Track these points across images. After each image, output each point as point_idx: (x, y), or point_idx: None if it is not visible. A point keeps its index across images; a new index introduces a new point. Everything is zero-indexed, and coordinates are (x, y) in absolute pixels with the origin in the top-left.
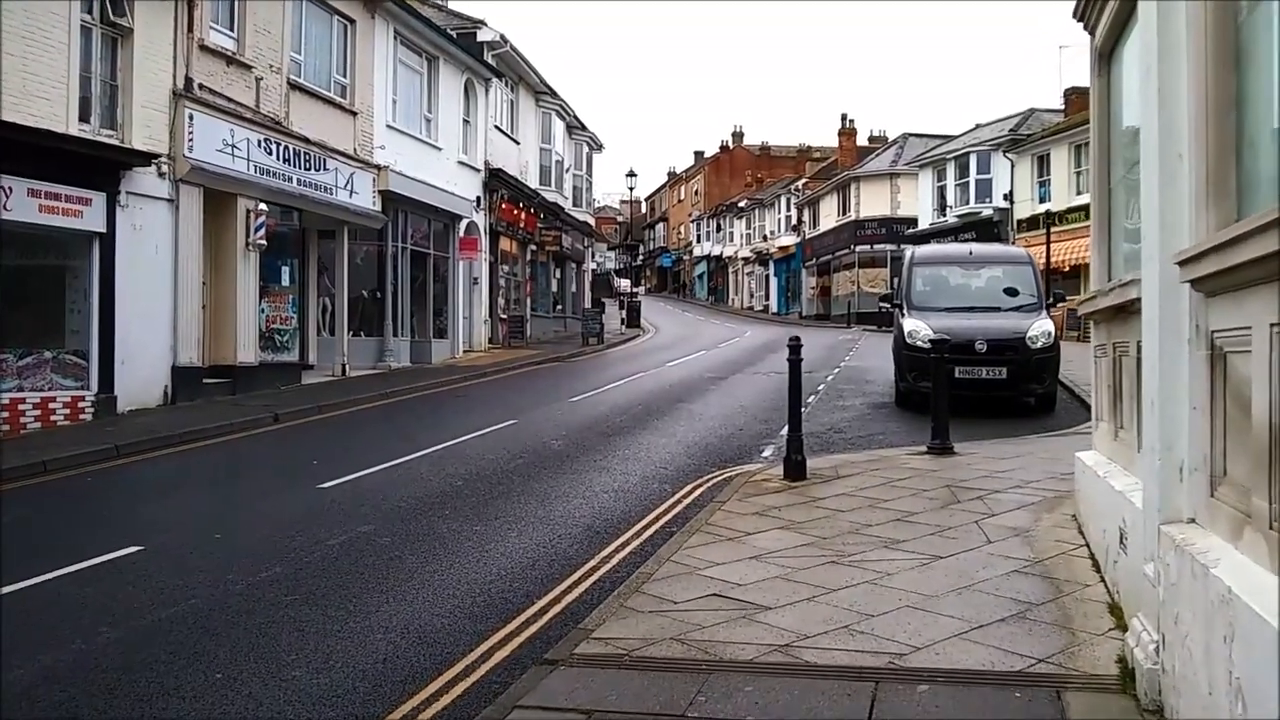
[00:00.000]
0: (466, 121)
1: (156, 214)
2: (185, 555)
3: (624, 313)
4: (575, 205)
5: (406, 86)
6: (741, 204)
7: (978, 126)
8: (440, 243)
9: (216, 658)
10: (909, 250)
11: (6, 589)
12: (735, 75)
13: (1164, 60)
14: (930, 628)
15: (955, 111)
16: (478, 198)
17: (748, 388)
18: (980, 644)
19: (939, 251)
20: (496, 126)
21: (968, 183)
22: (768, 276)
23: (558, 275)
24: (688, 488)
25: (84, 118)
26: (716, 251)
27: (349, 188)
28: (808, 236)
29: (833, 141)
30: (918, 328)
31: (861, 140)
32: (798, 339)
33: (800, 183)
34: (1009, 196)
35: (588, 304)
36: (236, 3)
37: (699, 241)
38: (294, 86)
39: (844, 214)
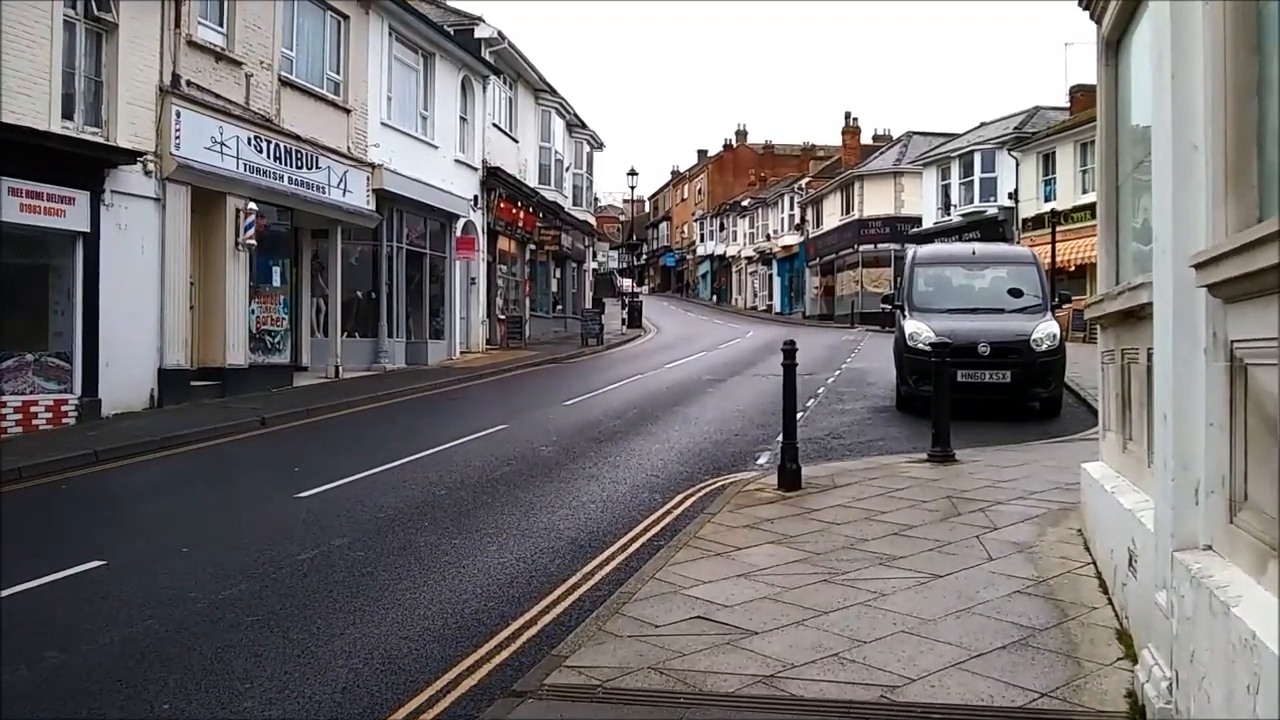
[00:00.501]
0: (463, 119)
1: (142, 213)
2: (148, 570)
3: (625, 313)
4: (575, 204)
5: (402, 84)
6: (745, 203)
7: (982, 125)
8: (437, 242)
9: (165, 686)
10: (911, 250)
11: None
12: (739, 73)
13: (1178, 44)
14: (926, 656)
15: (960, 110)
16: (475, 196)
17: (746, 390)
18: (979, 675)
19: (941, 251)
20: (494, 124)
21: (972, 181)
22: (771, 276)
23: (557, 275)
24: (678, 497)
25: (67, 115)
26: (720, 251)
27: (342, 186)
28: (811, 236)
29: (836, 140)
30: (919, 330)
31: (865, 139)
32: (792, 343)
33: (804, 181)
34: (1014, 195)
35: (589, 304)
36: None
37: (702, 241)
38: (285, 83)
39: (848, 213)
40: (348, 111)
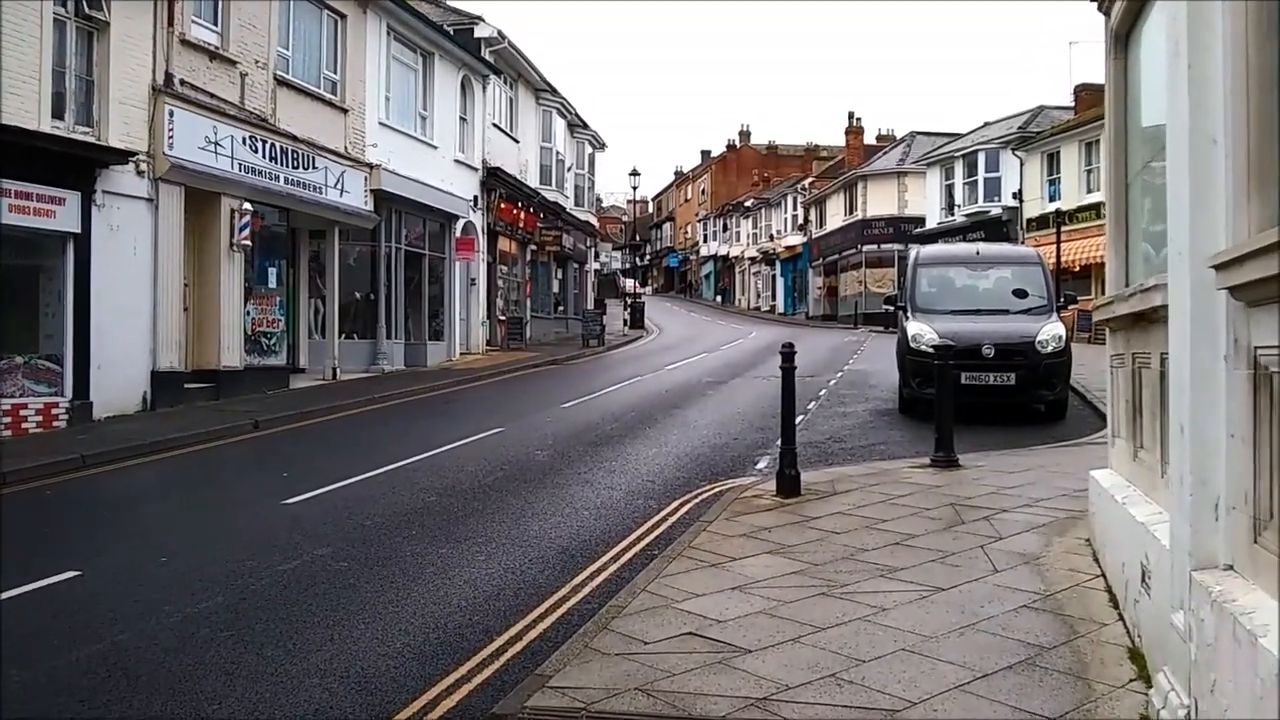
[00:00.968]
0: (463, 119)
1: (135, 214)
2: (124, 581)
3: (627, 313)
4: (577, 205)
5: (400, 83)
6: (748, 203)
7: (986, 124)
8: (436, 243)
9: (130, 707)
10: (913, 250)
11: None
12: (742, 74)
13: (1195, 33)
14: (928, 677)
15: (964, 110)
16: (475, 197)
17: (747, 393)
18: (985, 698)
19: (945, 251)
20: (495, 124)
21: (976, 181)
22: (774, 276)
23: (559, 276)
24: (674, 504)
25: (58, 114)
26: (723, 251)
27: (339, 187)
28: (814, 236)
29: (840, 140)
30: (922, 331)
31: (869, 139)
32: (791, 346)
33: (807, 182)
34: (1018, 195)
35: (590, 305)
36: None
37: (705, 241)
38: (281, 83)
39: (851, 213)
40: (345, 111)
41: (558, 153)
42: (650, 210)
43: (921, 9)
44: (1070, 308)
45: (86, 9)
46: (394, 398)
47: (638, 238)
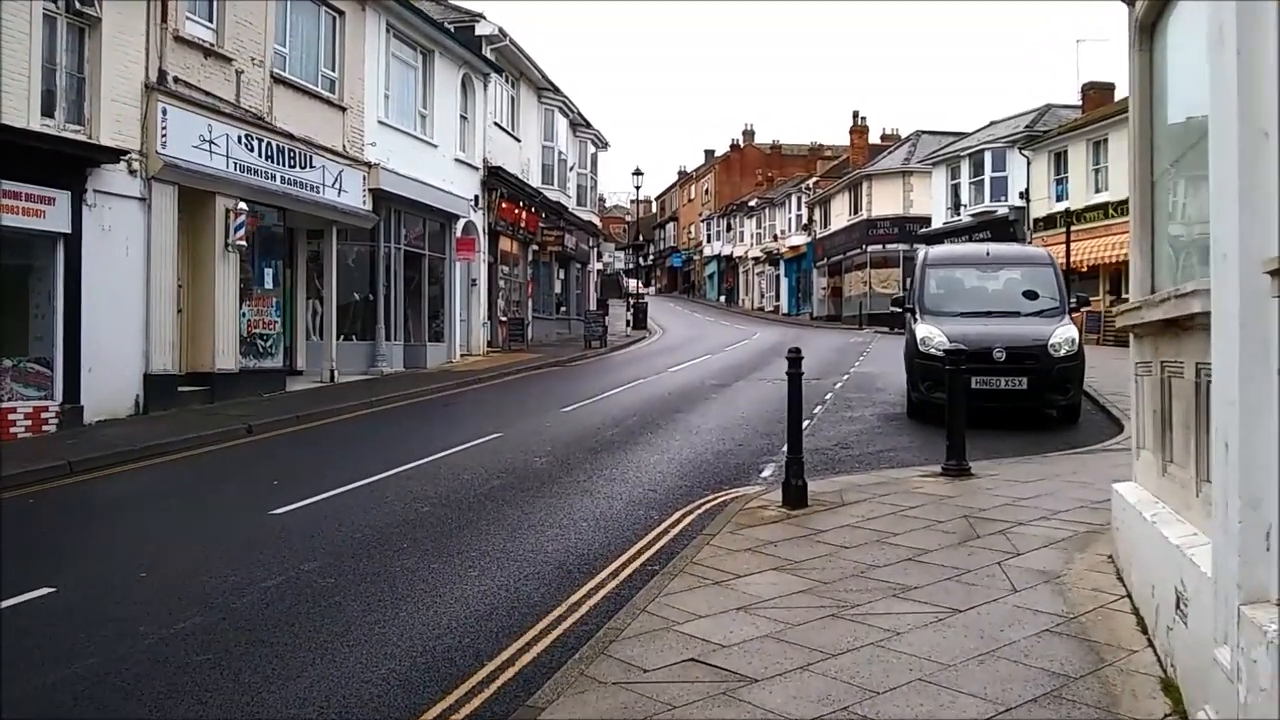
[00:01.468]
0: (464, 118)
1: (127, 213)
2: (99, 599)
3: (630, 314)
4: (579, 204)
5: (400, 81)
6: (752, 203)
7: (992, 123)
8: (436, 243)
9: None
10: (922, 250)
11: None
12: (746, 73)
13: (1245, 14)
14: (947, 711)
15: (970, 109)
16: (476, 196)
17: (751, 396)
18: None
19: (954, 252)
20: (496, 123)
21: (982, 181)
22: (778, 277)
23: (561, 276)
24: (677, 515)
25: (48, 112)
26: (727, 251)
27: (337, 186)
28: (819, 236)
29: (844, 140)
30: (931, 334)
31: (874, 138)
32: (797, 350)
33: (811, 181)
34: (1025, 195)
35: (593, 305)
36: None
37: (709, 241)
38: (278, 80)
39: (855, 213)
40: (343, 109)
41: (560, 152)
42: (654, 210)
43: (927, 8)
44: (1083, 309)
45: (78, 5)
46: (392, 401)
47: (641, 238)
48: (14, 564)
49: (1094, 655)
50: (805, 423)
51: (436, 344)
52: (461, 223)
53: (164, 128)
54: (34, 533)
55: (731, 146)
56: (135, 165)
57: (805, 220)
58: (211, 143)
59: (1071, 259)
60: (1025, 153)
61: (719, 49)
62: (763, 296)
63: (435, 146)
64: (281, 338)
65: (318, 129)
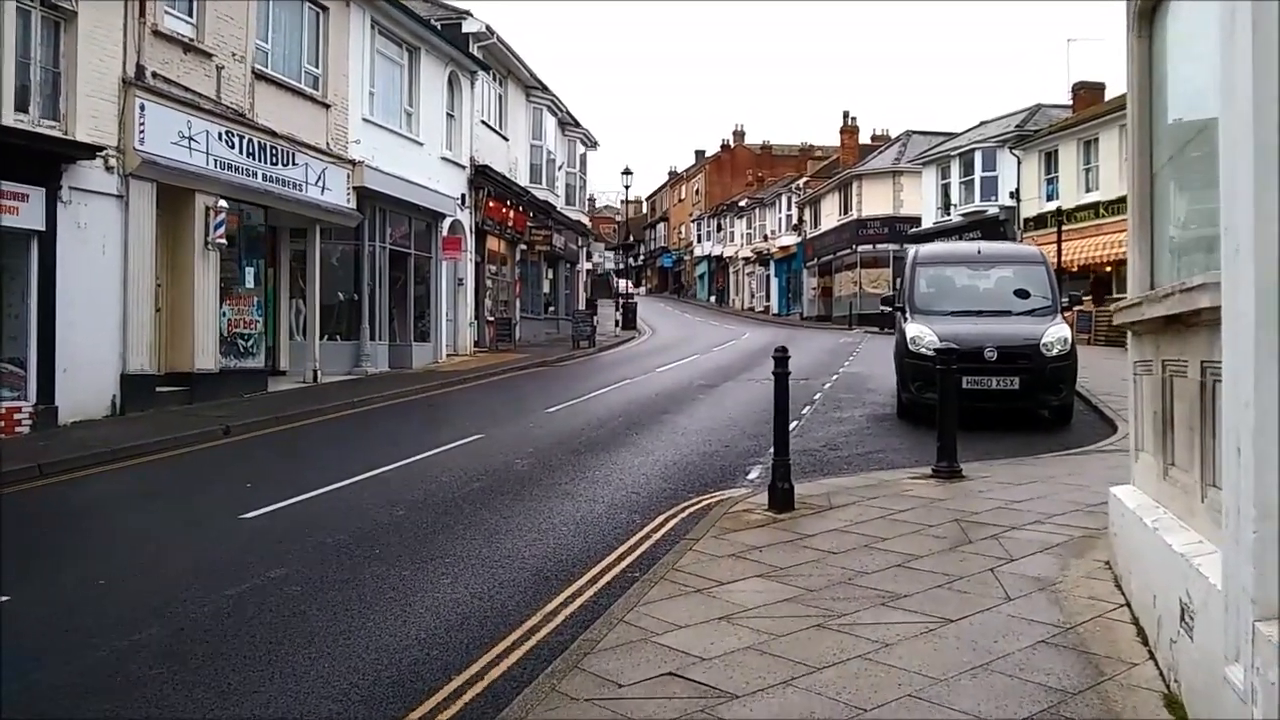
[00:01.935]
0: (450, 116)
1: (104, 211)
2: (54, 610)
3: (619, 314)
4: (568, 204)
5: (385, 78)
6: (742, 203)
7: (983, 123)
8: (422, 242)
9: None
10: (912, 249)
11: None
12: (736, 73)
13: None
14: None
15: (960, 109)
16: (462, 195)
17: (739, 397)
18: None
19: (944, 250)
20: (483, 122)
21: (972, 180)
22: (768, 277)
23: (549, 276)
24: (660, 518)
25: (21, 108)
26: (717, 252)
27: (320, 184)
28: (809, 236)
29: (835, 140)
30: (921, 333)
31: (864, 138)
32: (784, 350)
33: (801, 181)
34: (1015, 194)
35: (582, 305)
36: None
37: (700, 241)
38: (260, 77)
39: (846, 213)
40: (327, 106)
41: (548, 151)
42: (645, 210)
43: (918, 8)
44: (1074, 308)
45: None
46: (375, 401)
47: (631, 238)
48: None
49: (1093, 669)
50: (794, 424)
51: (422, 344)
52: (448, 221)
53: (142, 124)
54: None
55: (722, 146)
56: (112, 162)
57: (795, 220)
58: (191, 139)
59: (1062, 259)
60: (1016, 152)
61: (709, 49)
62: (753, 297)
63: (421, 144)
64: (263, 337)
65: (300, 126)
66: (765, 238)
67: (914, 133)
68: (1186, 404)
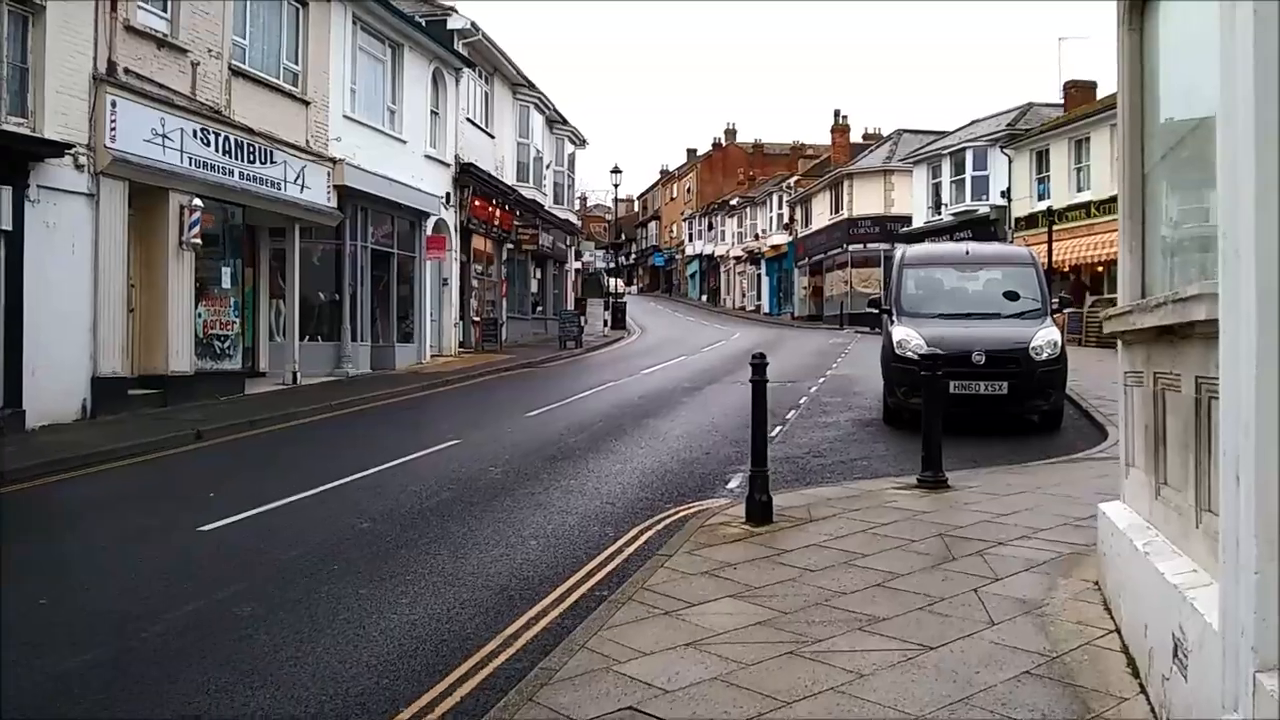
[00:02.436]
0: (435, 114)
1: (74, 210)
2: None
3: (608, 313)
4: (557, 203)
5: (367, 75)
6: (733, 202)
7: (974, 122)
8: (405, 241)
9: None
10: (899, 249)
11: None
12: (728, 72)
13: None
14: None
15: (951, 108)
16: (447, 194)
17: (723, 400)
18: None
19: (932, 251)
20: (469, 119)
21: (964, 180)
22: (759, 276)
23: (537, 275)
24: (634, 531)
25: None
26: (708, 251)
27: (300, 182)
28: (800, 235)
29: (826, 139)
30: (908, 337)
31: (855, 137)
32: (762, 356)
33: (792, 180)
34: (1006, 194)
35: (570, 305)
36: None
37: (691, 240)
38: (237, 73)
39: (837, 212)
40: (307, 104)
41: (536, 149)
42: (636, 209)
43: (909, 7)
44: (1065, 311)
45: None
46: (353, 404)
47: (623, 237)
48: None
49: (1080, 705)
50: (778, 429)
51: (406, 345)
52: (432, 220)
53: (113, 121)
54: None
55: (713, 145)
56: (82, 160)
57: (786, 219)
58: (165, 136)
59: (1054, 259)
60: (1007, 151)
61: (701, 48)
62: (744, 296)
63: (404, 142)
64: (241, 339)
65: (279, 123)
66: (756, 237)
67: (905, 131)
68: (1180, 420)
